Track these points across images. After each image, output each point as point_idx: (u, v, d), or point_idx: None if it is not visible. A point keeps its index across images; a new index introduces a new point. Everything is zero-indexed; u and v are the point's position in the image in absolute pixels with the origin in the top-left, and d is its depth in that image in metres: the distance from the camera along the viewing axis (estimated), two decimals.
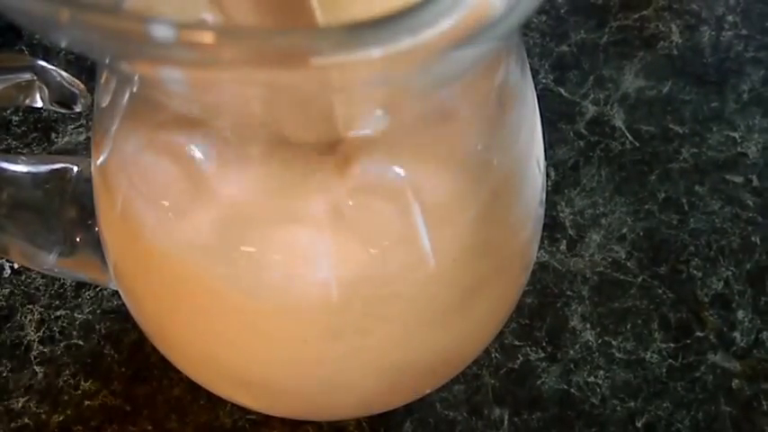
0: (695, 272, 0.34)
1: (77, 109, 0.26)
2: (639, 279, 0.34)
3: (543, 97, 0.38)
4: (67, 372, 0.31)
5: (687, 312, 0.33)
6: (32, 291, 0.33)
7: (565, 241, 0.35)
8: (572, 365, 0.32)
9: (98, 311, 0.33)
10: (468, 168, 0.20)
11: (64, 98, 0.25)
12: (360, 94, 0.16)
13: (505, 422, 0.31)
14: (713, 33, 0.41)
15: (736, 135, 0.38)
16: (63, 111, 0.26)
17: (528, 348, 0.32)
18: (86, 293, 0.33)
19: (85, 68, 0.37)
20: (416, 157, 0.19)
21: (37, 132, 0.37)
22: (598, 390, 0.31)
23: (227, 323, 0.22)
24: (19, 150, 0.36)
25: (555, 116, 0.38)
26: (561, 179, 0.36)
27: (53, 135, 0.37)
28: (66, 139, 0.37)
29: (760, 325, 0.33)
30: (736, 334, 0.33)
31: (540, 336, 0.32)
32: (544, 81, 0.39)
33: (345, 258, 0.20)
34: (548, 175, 0.36)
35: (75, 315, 0.33)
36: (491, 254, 0.23)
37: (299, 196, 0.19)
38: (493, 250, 0.23)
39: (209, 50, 0.13)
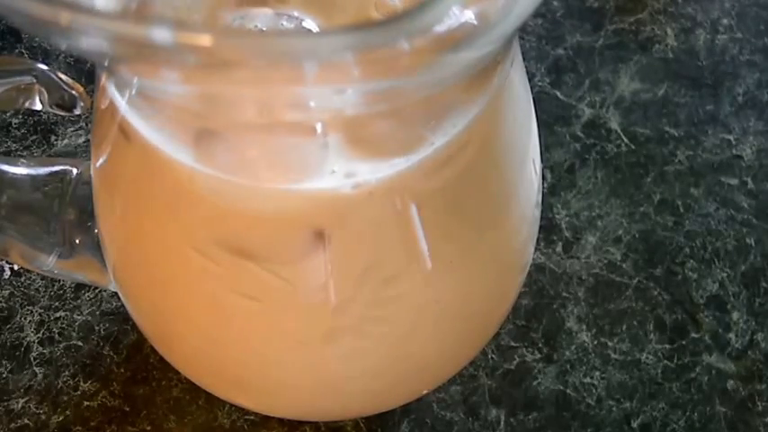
0: (690, 273, 0.34)
1: (77, 112, 0.26)
2: (635, 281, 0.34)
3: (539, 100, 0.38)
4: (67, 372, 0.31)
5: (682, 314, 0.33)
6: (32, 292, 0.33)
7: (561, 243, 0.35)
8: (568, 366, 0.32)
9: (97, 313, 0.33)
10: (465, 170, 0.21)
11: (63, 101, 0.26)
12: (356, 94, 0.17)
13: (502, 423, 0.31)
14: (708, 37, 0.41)
15: (731, 137, 0.38)
16: (62, 113, 0.27)
17: (524, 349, 0.32)
18: (86, 295, 0.33)
19: (85, 71, 0.38)
20: (412, 158, 0.19)
21: (36, 135, 0.37)
22: (594, 390, 0.32)
23: (225, 324, 0.22)
24: (19, 153, 0.37)
25: (551, 119, 0.38)
26: (557, 181, 0.36)
27: (53, 138, 0.37)
28: (65, 141, 0.37)
29: (755, 326, 0.33)
30: (731, 335, 0.33)
31: (537, 337, 0.33)
32: (540, 84, 0.39)
33: (343, 260, 0.20)
34: (544, 178, 0.36)
35: (75, 316, 0.33)
36: (488, 255, 0.23)
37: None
38: (489, 252, 0.23)
39: (207, 52, 0.14)
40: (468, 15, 0.14)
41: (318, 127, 0.18)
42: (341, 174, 0.19)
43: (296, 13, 0.19)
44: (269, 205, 0.19)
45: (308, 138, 0.19)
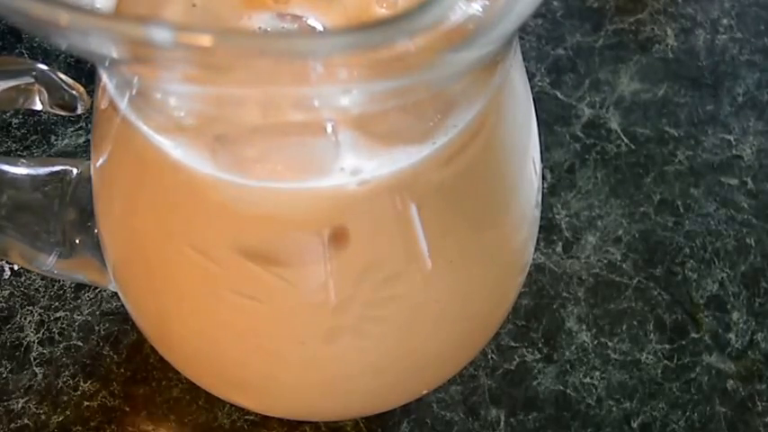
0: (690, 273, 0.34)
1: (77, 111, 0.26)
2: (635, 281, 0.34)
3: (539, 100, 0.38)
4: (67, 372, 0.31)
5: (682, 314, 0.33)
6: (32, 292, 0.33)
7: (561, 243, 0.35)
8: (568, 366, 0.32)
9: (97, 313, 0.33)
10: (465, 169, 0.21)
11: (63, 101, 0.26)
12: (362, 93, 0.17)
13: (502, 423, 0.31)
14: (708, 37, 0.41)
15: (730, 138, 0.38)
16: (62, 113, 0.27)
17: (524, 349, 0.32)
18: (86, 295, 0.33)
19: (85, 71, 0.38)
20: (415, 155, 0.19)
21: (37, 135, 0.37)
22: (594, 390, 0.32)
23: (225, 324, 0.22)
24: (19, 153, 0.37)
25: (551, 119, 0.38)
26: (557, 181, 0.36)
27: (53, 138, 0.37)
28: (65, 141, 0.37)
29: (754, 326, 0.33)
30: (731, 335, 0.33)
31: (537, 337, 0.33)
32: (540, 84, 0.39)
33: (344, 259, 0.20)
34: (544, 178, 0.36)
35: (75, 316, 0.33)
36: (487, 255, 0.23)
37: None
38: (489, 252, 0.23)
39: (207, 53, 0.14)
40: (476, 8, 0.14)
41: (329, 124, 0.18)
42: (348, 171, 0.19)
43: (298, 12, 0.19)
44: (276, 205, 0.19)
45: (319, 135, 0.19)
